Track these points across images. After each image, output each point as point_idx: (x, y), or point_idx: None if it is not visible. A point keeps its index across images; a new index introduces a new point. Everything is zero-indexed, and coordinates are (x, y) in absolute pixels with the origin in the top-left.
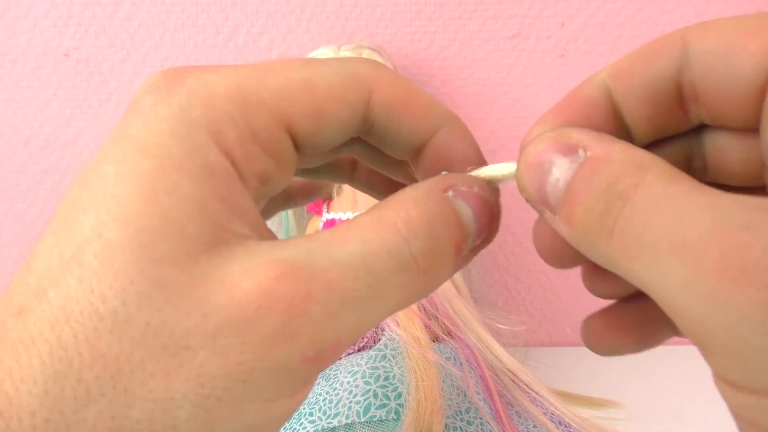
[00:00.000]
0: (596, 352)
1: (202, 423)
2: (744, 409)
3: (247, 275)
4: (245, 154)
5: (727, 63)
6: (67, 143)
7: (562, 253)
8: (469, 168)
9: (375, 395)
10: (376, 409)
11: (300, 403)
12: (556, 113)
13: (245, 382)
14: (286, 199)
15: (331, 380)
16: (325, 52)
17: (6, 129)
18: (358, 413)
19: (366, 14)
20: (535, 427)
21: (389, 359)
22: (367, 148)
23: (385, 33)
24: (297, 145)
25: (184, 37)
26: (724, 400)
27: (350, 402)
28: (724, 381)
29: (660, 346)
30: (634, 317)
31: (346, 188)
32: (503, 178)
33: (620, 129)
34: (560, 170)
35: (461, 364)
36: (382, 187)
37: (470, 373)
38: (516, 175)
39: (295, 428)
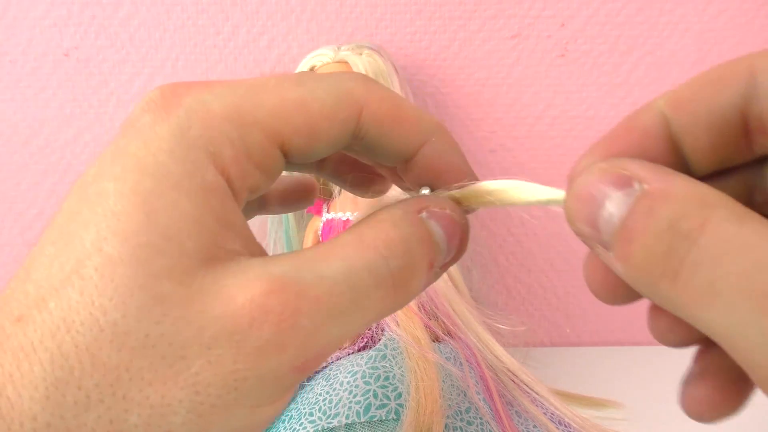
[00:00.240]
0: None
1: (196, 427)
2: None
3: (241, 290)
4: (240, 172)
5: None
6: (67, 143)
7: (616, 289)
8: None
9: (375, 395)
10: (376, 409)
11: (282, 408)
12: (607, 143)
13: (237, 390)
14: (262, 203)
15: (331, 380)
16: (325, 52)
17: (6, 129)
18: (358, 413)
19: (366, 14)
20: (535, 427)
21: (389, 359)
22: (356, 154)
23: (385, 33)
24: (287, 158)
25: (184, 37)
26: None
27: (350, 402)
28: None
29: (660, 346)
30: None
31: None
32: (547, 203)
33: (677, 161)
34: (614, 204)
35: (461, 364)
36: (349, 178)
37: (470, 373)
38: (564, 206)
39: (295, 428)
